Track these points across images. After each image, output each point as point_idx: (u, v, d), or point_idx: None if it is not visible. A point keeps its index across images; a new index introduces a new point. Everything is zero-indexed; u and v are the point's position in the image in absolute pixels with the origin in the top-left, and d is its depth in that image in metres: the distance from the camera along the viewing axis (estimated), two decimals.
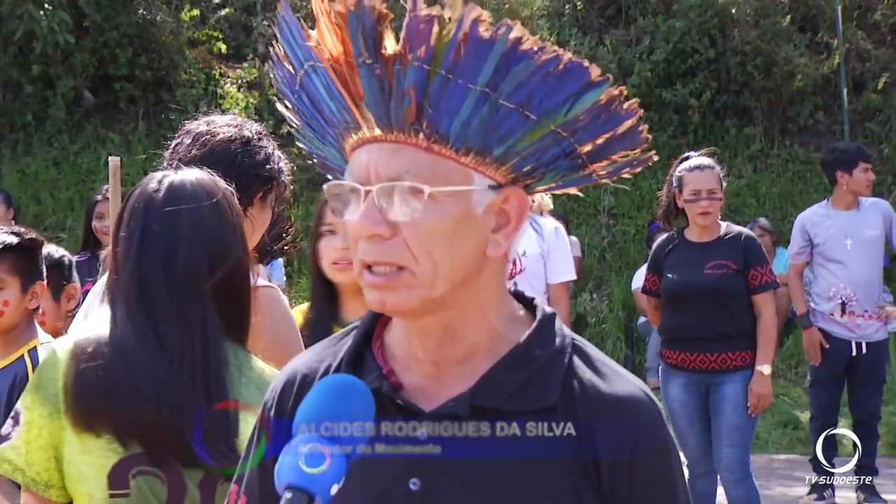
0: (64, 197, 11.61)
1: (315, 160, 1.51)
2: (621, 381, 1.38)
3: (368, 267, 1.31)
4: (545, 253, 5.19)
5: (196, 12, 12.97)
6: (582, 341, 1.42)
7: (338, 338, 1.48)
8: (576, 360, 1.38)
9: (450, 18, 1.24)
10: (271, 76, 1.48)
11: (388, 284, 1.30)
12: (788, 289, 7.18)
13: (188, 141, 2.48)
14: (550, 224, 5.30)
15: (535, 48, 1.27)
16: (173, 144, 2.53)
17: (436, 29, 1.25)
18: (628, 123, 1.34)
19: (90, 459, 1.96)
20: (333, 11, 1.27)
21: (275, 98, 1.57)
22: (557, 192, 1.44)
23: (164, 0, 12.93)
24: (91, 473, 1.96)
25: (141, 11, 12.71)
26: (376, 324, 1.44)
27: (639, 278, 9.42)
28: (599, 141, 1.34)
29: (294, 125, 1.48)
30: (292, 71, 1.39)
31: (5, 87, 12.41)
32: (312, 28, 1.33)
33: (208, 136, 2.47)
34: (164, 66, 12.57)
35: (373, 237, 1.29)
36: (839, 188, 6.66)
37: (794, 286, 6.84)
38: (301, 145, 1.51)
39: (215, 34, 12.97)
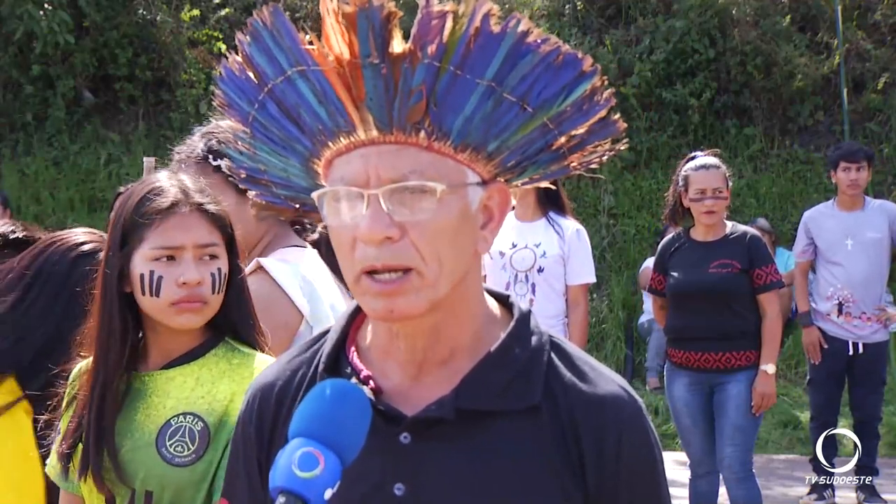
0: (64, 197, 11.61)
1: (239, 174, 1.46)
2: (602, 379, 1.38)
3: (369, 273, 1.28)
4: (565, 254, 5.20)
5: (196, 12, 12.96)
6: (559, 338, 1.41)
7: (307, 345, 1.46)
8: (555, 358, 1.38)
9: (462, 13, 1.24)
10: (215, 90, 1.44)
11: (396, 290, 1.28)
12: (790, 288, 7.17)
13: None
14: (572, 226, 5.28)
15: (539, 40, 1.27)
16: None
17: (449, 24, 1.24)
18: (603, 113, 1.34)
19: None
20: (342, 12, 1.25)
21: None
22: (530, 185, 1.42)
23: (164, 0, 12.92)
24: None
25: (141, 11, 12.72)
26: (349, 329, 1.43)
27: (650, 263, 9.37)
28: (580, 131, 1.35)
29: (238, 138, 1.43)
30: (257, 80, 1.36)
31: (5, 87, 12.42)
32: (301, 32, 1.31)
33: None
34: (164, 66, 12.57)
35: (383, 241, 1.26)
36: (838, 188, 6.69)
37: (797, 284, 6.83)
38: (230, 159, 1.47)
39: (215, 34, 12.96)
